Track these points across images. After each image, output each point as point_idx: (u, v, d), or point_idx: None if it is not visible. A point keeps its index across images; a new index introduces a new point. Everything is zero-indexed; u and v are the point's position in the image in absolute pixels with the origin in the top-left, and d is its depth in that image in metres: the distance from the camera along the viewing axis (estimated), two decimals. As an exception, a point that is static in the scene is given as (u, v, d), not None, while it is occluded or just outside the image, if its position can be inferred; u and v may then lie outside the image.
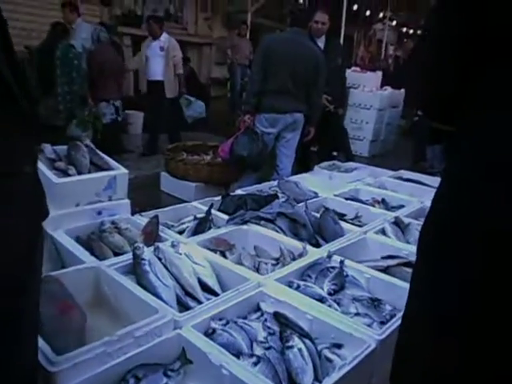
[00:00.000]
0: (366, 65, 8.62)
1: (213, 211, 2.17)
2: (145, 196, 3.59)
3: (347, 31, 7.17)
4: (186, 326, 1.23)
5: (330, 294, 1.51)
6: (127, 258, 1.61)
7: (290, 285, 1.53)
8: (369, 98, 5.67)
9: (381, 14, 9.50)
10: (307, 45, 3.09)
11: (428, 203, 2.46)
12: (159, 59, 4.93)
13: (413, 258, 1.79)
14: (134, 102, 6.02)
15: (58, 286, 1.32)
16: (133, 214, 2.10)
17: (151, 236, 1.83)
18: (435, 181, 3.01)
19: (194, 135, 5.68)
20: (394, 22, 10.23)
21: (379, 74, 6.29)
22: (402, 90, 6.22)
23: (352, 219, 2.33)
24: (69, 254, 1.64)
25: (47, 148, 2.13)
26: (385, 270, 1.73)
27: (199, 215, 2.15)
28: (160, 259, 1.60)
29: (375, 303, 1.49)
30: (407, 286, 1.51)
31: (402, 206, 2.50)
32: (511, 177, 0.56)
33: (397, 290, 1.52)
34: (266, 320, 1.34)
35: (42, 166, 1.90)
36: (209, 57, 9.13)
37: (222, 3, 8.78)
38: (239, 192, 2.56)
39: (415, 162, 5.03)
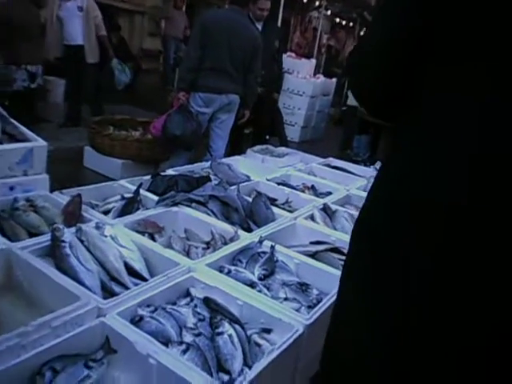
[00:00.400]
0: (301, 51, 8.74)
1: (141, 191, 2.07)
2: (65, 171, 3.34)
3: (285, 15, 7.17)
4: (110, 313, 1.16)
5: (260, 278, 1.52)
6: (44, 239, 1.47)
7: (220, 270, 1.51)
8: (302, 84, 5.77)
9: (317, 3, 9.65)
10: (246, 25, 3.03)
11: (353, 191, 2.56)
12: (78, 21, 4.48)
13: (339, 244, 1.87)
14: (55, 66, 5.50)
15: (-40, 271, 1.17)
16: (51, 191, 1.93)
17: (73, 216, 1.69)
18: (359, 169, 3.17)
19: (122, 108, 5.38)
20: (329, 12, 10.46)
21: (313, 61, 6.42)
22: (334, 79, 6.43)
23: (283, 204, 2.37)
24: (-26, 233, 1.46)
25: (-51, 113, 1.87)
26: (313, 255, 1.79)
27: (127, 195, 2.03)
28: (82, 242, 1.50)
29: (303, 287, 1.53)
30: (333, 270, 1.59)
31: (329, 193, 2.59)
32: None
33: (324, 275, 1.58)
34: (195, 306, 1.32)
35: None
36: (141, 26, 8.61)
37: (157, -30, 8.30)
38: (170, 172, 2.47)
39: (342, 150, 5.26)
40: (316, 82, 5.92)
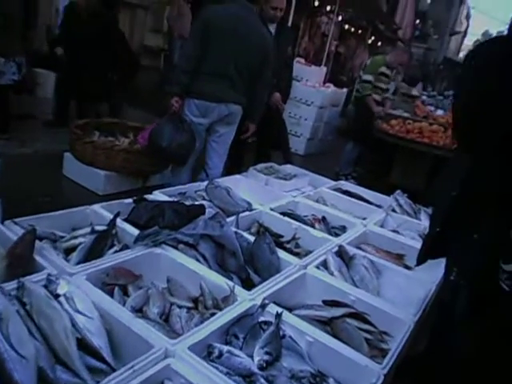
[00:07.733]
0: (309, 57, 8.36)
1: (119, 221, 1.69)
2: (42, 179, 2.94)
3: (294, 19, 6.80)
4: None
5: (261, 367, 1.13)
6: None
7: (209, 351, 1.13)
8: (311, 93, 5.36)
9: (328, 8, 9.29)
10: (256, 25, 2.60)
11: (370, 227, 2.11)
12: None
13: (359, 306, 1.47)
14: (46, 58, 5.06)
15: None
16: (3, 220, 1.54)
17: (20, 261, 1.30)
18: (375, 196, 2.79)
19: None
20: (340, 18, 10.09)
21: (324, 69, 6.03)
22: (344, 89, 6.04)
23: (289, 241, 2.00)
24: None
25: None
26: (328, 323, 1.41)
27: (98, 227, 1.65)
28: (24, 305, 1.11)
29: (317, 380, 1.15)
30: (355, 355, 1.19)
31: (343, 227, 2.23)
32: None
33: (343, 360, 1.20)
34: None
35: None
36: (143, 22, 8.20)
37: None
38: (158, 194, 2.08)
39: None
40: (326, 92, 5.51)
